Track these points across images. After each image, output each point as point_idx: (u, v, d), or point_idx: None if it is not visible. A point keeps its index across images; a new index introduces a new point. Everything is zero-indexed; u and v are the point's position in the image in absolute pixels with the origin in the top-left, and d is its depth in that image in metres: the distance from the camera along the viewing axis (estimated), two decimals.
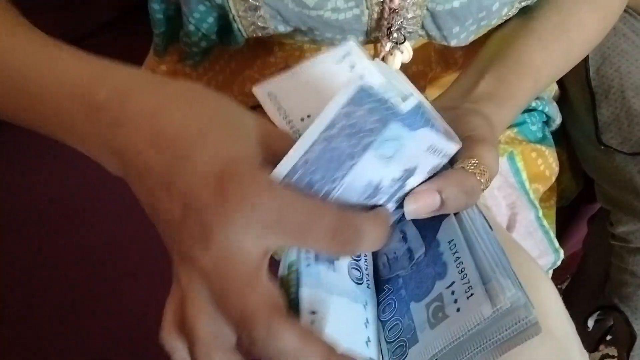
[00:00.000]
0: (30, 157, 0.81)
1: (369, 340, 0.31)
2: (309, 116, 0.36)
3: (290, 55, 0.55)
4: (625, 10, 0.70)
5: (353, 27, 0.45)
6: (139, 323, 0.66)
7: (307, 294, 0.27)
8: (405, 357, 0.30)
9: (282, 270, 0.29)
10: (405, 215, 0.31)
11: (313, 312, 0.27)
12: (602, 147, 0.65)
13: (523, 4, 0.47)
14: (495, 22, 0.47)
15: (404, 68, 0.57)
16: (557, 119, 0.68)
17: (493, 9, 0.45)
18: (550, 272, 0.66)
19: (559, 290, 1.02)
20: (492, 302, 0.27)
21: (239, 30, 0.46)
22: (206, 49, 0.57)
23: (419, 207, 0.31)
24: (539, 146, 0.63)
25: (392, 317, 0.32)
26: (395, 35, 0.45)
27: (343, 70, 0.35)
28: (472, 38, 0.48)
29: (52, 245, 0.73)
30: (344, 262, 0.32)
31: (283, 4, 0.42)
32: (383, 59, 0.47)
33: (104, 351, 0.65)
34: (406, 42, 0.46)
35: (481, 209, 0.55)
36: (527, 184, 0.61)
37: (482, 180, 0.32)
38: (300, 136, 0.33)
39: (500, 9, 0.45)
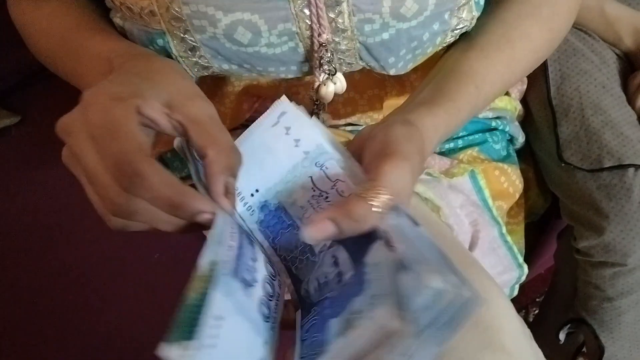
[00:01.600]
0: (10, 184, 0.82)
1: None
2: (257, 190, 0.40)
3: (248, 84, 0.57)
4: (583, 30, 0.72)
5: (292, 59, 0.47)
6: (126, 331, 0.67)
7: (218, 299, 0.28)
8: None
9: (203, 264, 0.30)
10: (305, 240, 0.33)
11: (219, 318, 0.28)
12: (563, 165, 0.67)
13: (457, 32, 0.48)
14: (430, 50, 0.48)
15: (360, 92, 0.59)
16: (520, 138, 0.70)
17: (424, 39, 0.46)
18: (517, 287, 0.68)
19: (537, 303, 1.03)
20: (396, 317, 0.28)
21: (186, 69, 0.48)
22: None
23: (315, 235, 0.33)
24: (501, 164, 0.65)
25: (312, 335, 0.34)
26: (326, 67, 0.47)
27: (279, 134, 0.38)
28: (410, 66, 0.50)
29: (39, 258, 0.74)
30: (257, 294, 0.33)
31: (220, 44, 0.44)
32: (317, 90, 0.49)
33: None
34: (338, 73, 0.48)
35: (443, 228, 0.57)
36: (490, 201, 0.63)
37: (374, 203, 0.34)
38: (253, 212, 0.36)
39: (432, 38, 0.47)
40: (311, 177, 0.37)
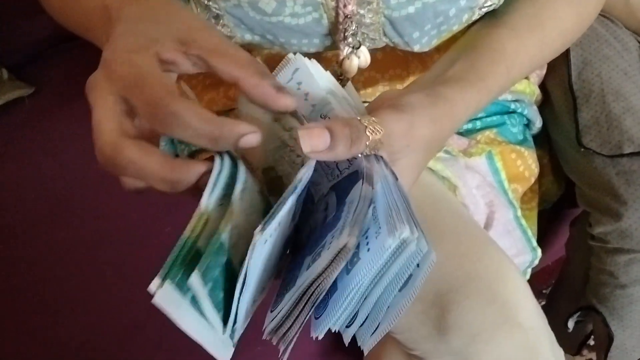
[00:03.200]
0: (24, 155, 0.82)
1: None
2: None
3: (268, 58, 0.57)
4: (607, 17, 0.71)
5: (315, 31, 0.46)
6: (127, 314, 0.67)
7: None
8: (325, 306, 0.34)
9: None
10: (303, 148, 0.32)
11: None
12: (582, 150, 0.67)
13: (484, 10, 0.47)
14: (456, 27, 0.48)
15: (382, 72, 0.58)
16: (537, 122, 0.69)
17: (450, 15, 0.46)
18: (529, 271, 0.68)
19: (543, 295, 1.03)
20: (391, 235, 0.30)
21: None
22: None
23: (312, 141, 0.32)
24: (518, 147, 0.64)
25: (289, 275, 0.35)
26: (350, 40, 0.46)
27: (293, 89, 0.38)
28: (435, 42, 0.49)
29: (43, 239, 0.74)
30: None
31: (244, 12, 0.44)
32: (341, 63, 0.48)
33: (95, 339, 0.66)
34: (362, 47, 0.47)
35: (459, 206, 0.57)
36: (505, 183, 0.62)
37: (370, 136, 0.34)
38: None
39: (459, 14, 0.46)
40: None
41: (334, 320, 0.33)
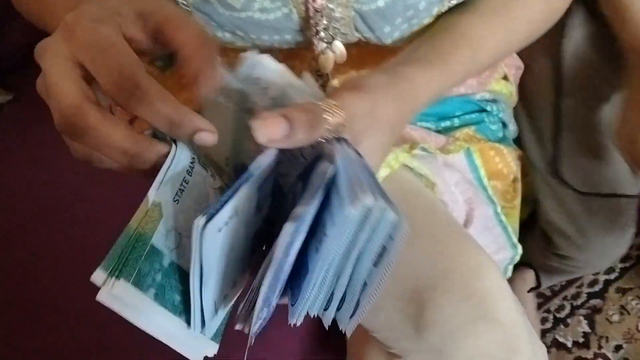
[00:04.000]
0: (2, 162, 0.81)
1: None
2: (236, 140, 0.39)
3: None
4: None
5: (286, 27, 0.46)
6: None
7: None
8: (299, 291, 0.33)
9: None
10: (258, 139, 0.32)
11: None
12: (556, 180, 0.66)
13: (454, 1, 0.47)
14: (427, 20, 0.48)
15: (357, 68, 0.58)
16: (511, 126, 0.69)
17: (420, 8, 0.46)
18: (510, 268, 0.67)
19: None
20: (354, 205, 0.29)
21: None
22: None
23: (269, 131, 0.32)
24: (497, 145, 0.64)
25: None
26: (322, 34, 0.46)
27: (251, 83, 0.38)
28: (407, 36, 0.49)
29: (23, 245, 0.73)
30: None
31: (212, 8, 0.43)
32: (317, 59, 0.48)
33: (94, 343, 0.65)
34: (336, 41, 0.47)
35: (437, 203, 0.57)
36: (485, 180, 0.62)
37: (330, 119, 0.33)
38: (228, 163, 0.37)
39: (429, 7, 0.46)
40: None
41: (309, 303, 0.33)
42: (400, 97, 0.39)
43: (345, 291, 0.34)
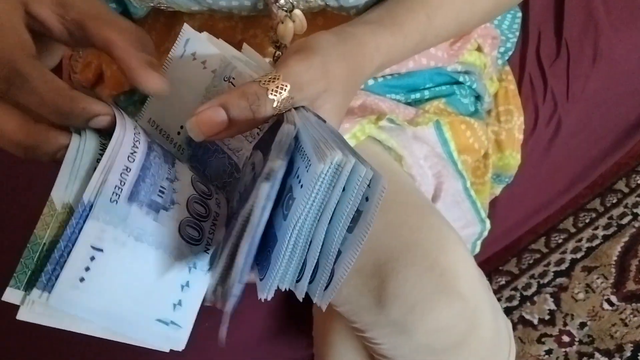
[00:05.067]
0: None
1: (179, 303, 0.31)
2: (182, 127, 0.37)
3: (202, 23, 0.54)
4: None
5: None
6: None
7: (91, 227, 0.27)
8: (268, 264, 0.30)
9: (60, 197, 0.28)
10: (193, 137, 0.30)
11: (96, 249, 0.27)
12: None
13: None
14: None
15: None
16: (486, 97, 0.68)
17: None
18: (479, 243, 0.67)
19: (501, 271, 1.04)
20: (322, 161, 0.27)
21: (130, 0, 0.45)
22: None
23: (203, 128, 0.30)
24: (468, 119, 0.63)
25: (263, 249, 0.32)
26: (282, 1, 0.44)
27: (188, 63, 0.36)
28: (371, 7, 0.47)
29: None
30: (177, 217, 0.31)
31: None
32: (276, 30, 0.46)
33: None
34: (296, 10, 0.45)
35: (404, 177, 0.56)
36: (455, 154, 0.61)
37: (275, 98, 0.32)
38: (182, 150, 0.34)
39: None
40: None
41: (280, 274, 0.31)
42: (349, 55, 0.37)
43: (318, 260, 0.31)
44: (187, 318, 0.32)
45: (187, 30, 0.36)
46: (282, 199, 0.30)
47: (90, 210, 0.27)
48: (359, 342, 0.57)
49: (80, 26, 0.32)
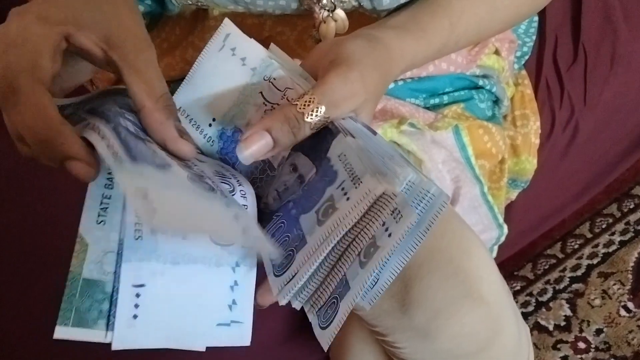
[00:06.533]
0: None
1: (234, 303, 0.32)
2: (214, 119, 0.38)
3: (231, 19, 0.54)
4: None
5: None
6: None
7: (127, 269, 0.28)
8: (292, 261, 0.31)
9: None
10: (242, 161, 0.31)
11: (139, 286, 0.29)
12: None
13: None
14: None
15: None
16: (505, 101, 0.68)
17: None
18: (496, 248, 0.67)
19: (515, 276, 1.03)
20: (381, 181, 0.28)
21: None
22: (153, 15, 0.56)
23: (253, 151, 0.32)
24: (486, 123, 0.63)
25: (282, 237, 0.32)
26: (325, 1, 0.45)
27: (226, 57, 0.37)
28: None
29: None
30: None
31: None
32: (318, 29, 0.47)
33: None
34: (338, 9, 0.46)
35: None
36: (472, 159, 0.61)
37: (312, 121, 0.33)
38: (212, 142, 0.35)
39: None
40: (261, 92, 0.36)
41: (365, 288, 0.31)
42: (380, 62, 0.38)
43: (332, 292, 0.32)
44: (246, 312, 0.33)
45: (227, 24, 0.37)
46: (316, 204, 0.31)
47: (119, 252, 0.29)
48: (376, 345, 0.57)
49: (118, 70, 0.33)
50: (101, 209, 0.30)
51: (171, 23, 0.57)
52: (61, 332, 0.27)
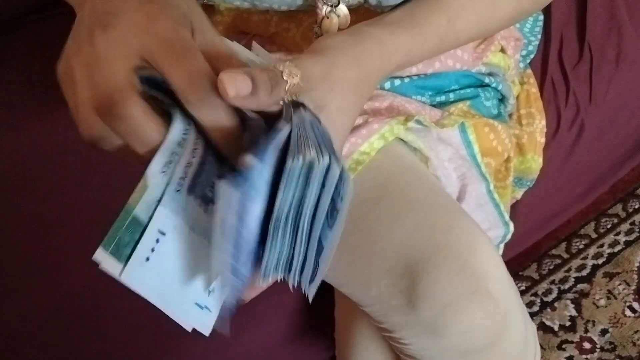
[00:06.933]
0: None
1: (212, 290, 0.33)
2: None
3: (237, 15, 0.55)
4: None
5: None
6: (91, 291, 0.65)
7: (160, 213, 0.30)
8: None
9: (152, 174, 0.30)
10: (227, 91, 0.31)
11: (162, 233, 0.30)
12: None
13: None
14: None
15: None
16: (511, 99, 0.68)
17: None
18: (502, 246, 0.67)
19: (520, 276, 1.03)
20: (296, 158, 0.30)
21: None
22: None
23: (232, 84, 0.31)
24: (491, 121, 0.63)
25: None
26: None
27: None
28: None
29: (6, 214, 0.71)
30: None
31: None
32: (321, 23, 0.47)
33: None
34: (341, 5, 0.46)
35: (430, 177, 0.56)
36: (478, 156, 0.61)
37: (288, 80, 0.33)
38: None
39: None
40: None
41: (272, 262, 0.33)
42: (362, 56, 0.38)
43: (306, 254, 0.34)
44: (217, 304, 0.34)
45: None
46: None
47: (161, 197, 0.30)
48: (383, 342, 0.57)
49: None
50: (168, 161, 0.31)
51: None
52: (100, 255, 0.29)
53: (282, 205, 0.31)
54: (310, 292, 0.35)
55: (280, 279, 0.35)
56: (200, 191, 0.32)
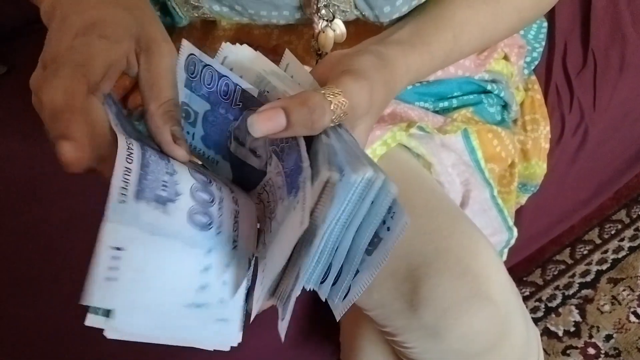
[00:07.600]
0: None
1: (203, 287, 0.32)
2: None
3: (239, 29, 0.55)
4: None
5: (285, 3, 0.45)
6: None
7: (108, 230, 0.28)
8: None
9: None
10: (251, 132, 0.31)
11: (117, 248, 0.28)
12: None
13: None
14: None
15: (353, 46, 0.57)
16: (514, 106, 0.69)
17: None
18: (506, 251, 0.67)
19: (524, 282, 1.03)
20: (356, 173, 0.29)
21: (174, 8, 0.46)
22: (165, 26, 0.58)
23: (264, 126, 0.31)
24: (495, 127, 0.64)
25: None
26: (324, 12, 0.45)
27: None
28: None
29: (13, 220, 0.72)
30: (184, 207, 0.32)
31: None
32: (317, 38, 0.47)
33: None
34: (336, 19, 0.46)
35: (434, 183, 0.56)
36: (482, 162, 0.62)
37: (335, 112, 0.33)
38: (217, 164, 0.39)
39: None
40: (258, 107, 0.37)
41: (308, 273, 0.32)
42: (388, 81, 0.38)
43: (341, 266, 0.33)
44: (209, 297, 0.33)
45: (225, 48, 0.38)
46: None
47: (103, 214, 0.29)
48: (387, 347, 0.57)
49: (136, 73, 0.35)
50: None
51: (185, 34, 0.58)
52: (90, 321, 0.28)
53: (337, 219, 0.30)
54: (338, 311, 0.33)
55: (311, 289, 0.34)
56: (151, 193, 0.31)
